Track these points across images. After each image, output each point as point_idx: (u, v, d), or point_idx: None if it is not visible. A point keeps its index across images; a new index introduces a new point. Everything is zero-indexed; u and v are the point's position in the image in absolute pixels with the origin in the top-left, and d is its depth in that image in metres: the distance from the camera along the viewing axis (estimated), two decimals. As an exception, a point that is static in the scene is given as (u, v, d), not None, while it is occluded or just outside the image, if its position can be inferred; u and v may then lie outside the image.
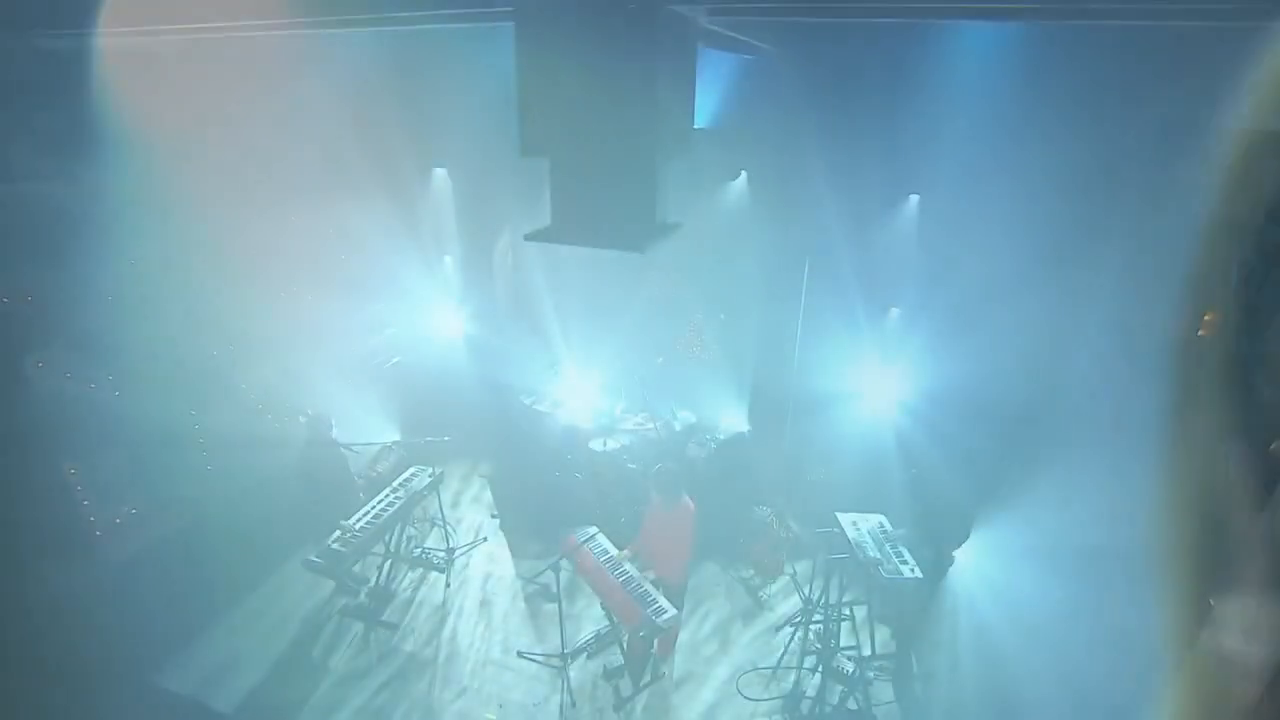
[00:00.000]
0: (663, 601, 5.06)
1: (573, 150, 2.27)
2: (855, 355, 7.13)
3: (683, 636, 5.98)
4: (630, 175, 2.29)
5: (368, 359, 7.89)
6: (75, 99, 4.92)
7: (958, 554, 5.65)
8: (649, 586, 5.19)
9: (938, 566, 5.60)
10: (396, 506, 6.15)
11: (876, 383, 7.14)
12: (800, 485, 6.35)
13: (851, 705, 5.47)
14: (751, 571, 6.76)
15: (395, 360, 8.24)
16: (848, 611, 6.09)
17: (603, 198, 2.29)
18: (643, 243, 2.37)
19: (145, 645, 5.57)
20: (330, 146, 6.81)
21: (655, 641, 5.59)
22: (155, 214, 5.49)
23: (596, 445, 7.27)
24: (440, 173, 7.77)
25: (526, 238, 2.63)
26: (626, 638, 5.53)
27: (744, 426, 7.55)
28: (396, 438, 6.94)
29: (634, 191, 2.32)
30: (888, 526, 5.87)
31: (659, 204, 2.34)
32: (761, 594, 6.54)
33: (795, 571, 6.78)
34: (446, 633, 6.08)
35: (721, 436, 7.47)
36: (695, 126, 6.83)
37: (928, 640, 5.78)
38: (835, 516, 5.88)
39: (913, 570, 5.42)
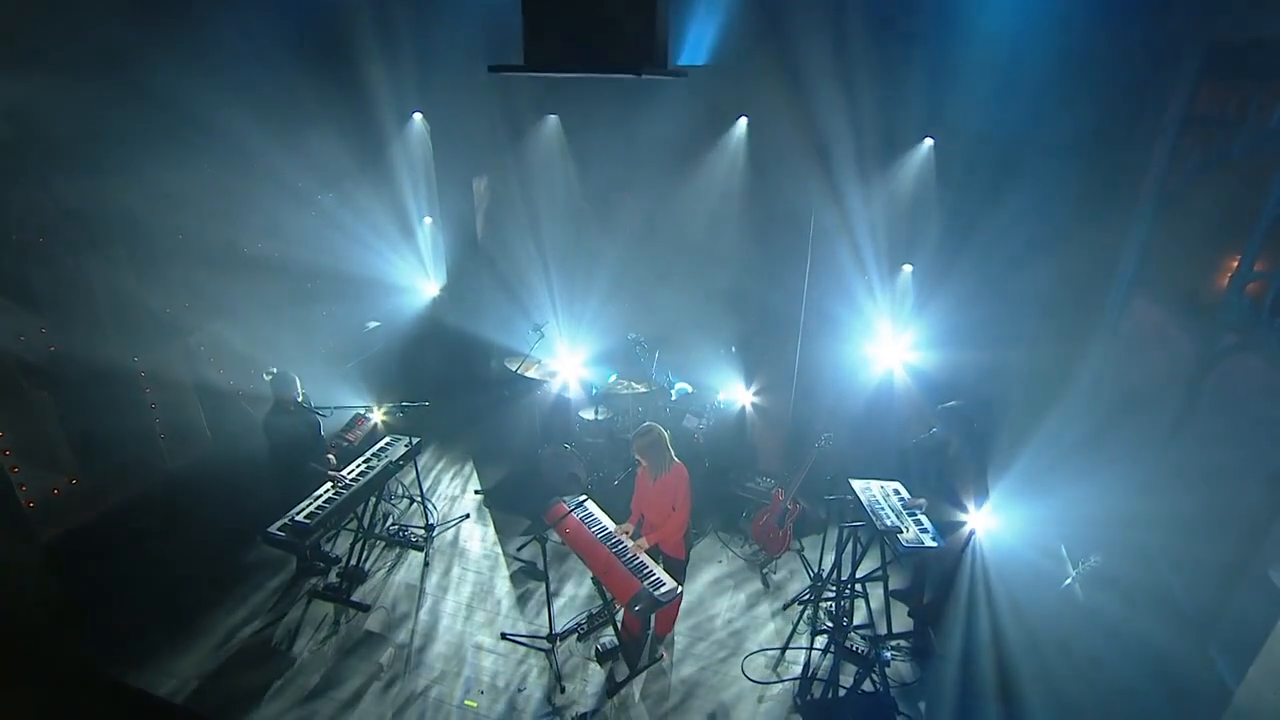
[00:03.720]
0: (661, 574, 4.56)
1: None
2: (864, 316, 6.65)
3: (683, 617, 5.48)
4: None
5: (342, 323, 7.33)
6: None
7: (978, 522, 5.19)
8: (645, 558, 4.69)
9: (957, 535, 5.13)
10: (369, 477, 5.62)
11: (887, 345, 6.68)
12: (807, 453, 5.85)
13: (867, 687, 5.00)
14: (756, 547, 6.27)
15: (374, 325, 7.70)
16: (860, 588, 5.65)
17: (590, 7, 1.75)
18: (639, 62, 1.85)
19: (85, 630, 5.04)
20: (304, 89, 6.25)
21: (653, 619, 5.10)
22: (96, 152, 4.94)
23: (588, 414, 6.76)
24: (418, 118, 7.22)
25: (491, 69, 2.10)
26: (621, 615, 5.03)
27: (745, 395, 7.06)
28: (371, 404, 6.39)
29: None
30: (904, 494, 5.40)
31: (659, 16, 1.83)
32: (767, 570, 6.05)
33: (803, 547, 6.29)
34: (424, 615, 5.57)
35: (721, 406, 6.98)
36: (692, 64, 6.43)
37: (948, 616, 5.32)
38: (848, 483, 5.40)
39: (934, 539, 4.95)
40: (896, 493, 5.41)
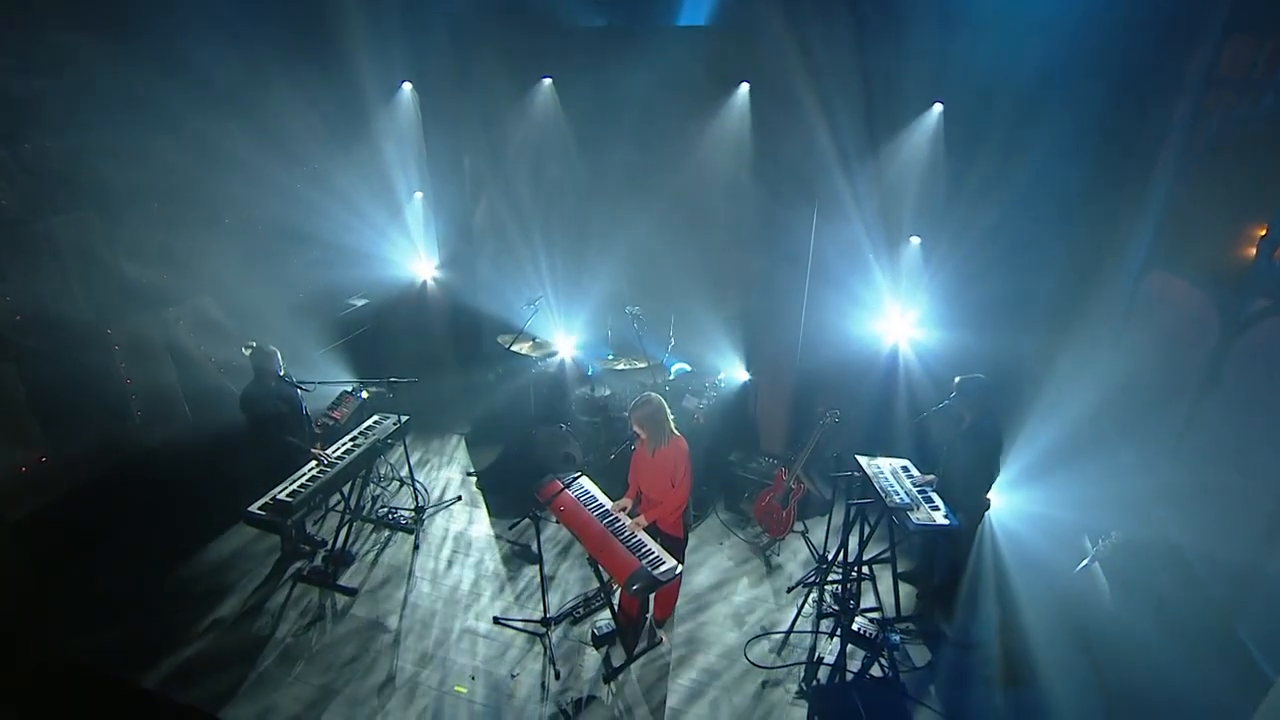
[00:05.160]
0: (660, 552, 4.33)
1: None
2: (871, 290, 6.41)
3: (682, 600, 5.27)
4: None
5: (329, 300, 7.08)
6: None
7: (990, 500, 4.98)
8: (643, 536, 4.46)
9: (970, 513, 4.91)
10: (355, 455, 5.39)
11: (894, 321, 6.44)
12: (811, 431, 5.61)
13: (876, 672, 4.79)
14: (758, 528, 6.05)
15: (362, 302, 7.43)
16: (867, 570, 5.44)
17: None
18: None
19: (56, 614, 4.81)
20: (290, 56, 5.98)
21: (651, 602, 4.89)
22: (63, 110, 4.67)
23: (583, 391, 6.53)
24: (407, 88, 6.94)
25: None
26: (618, 597, 4.82)
27: (746, 374, 6.83)
28: (357, 381, 6.14)
29: None
30: (914, 471, 5.19)
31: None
32: (769, 552, 5.84)
33: (806, 528, 6.08)
34: (413, 598, 5.34)
35: (722, 385, 6.75)
36: (692, 24, 6.18)
37: (959, 598, 5.11)
38: (855, 460, 5.19)
39: (946, 516, 4.73)
40: (905, 470, 5.21)
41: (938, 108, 5.88)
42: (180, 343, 5.57)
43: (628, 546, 4.36)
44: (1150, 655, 4.20)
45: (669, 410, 4.54)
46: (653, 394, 4.54)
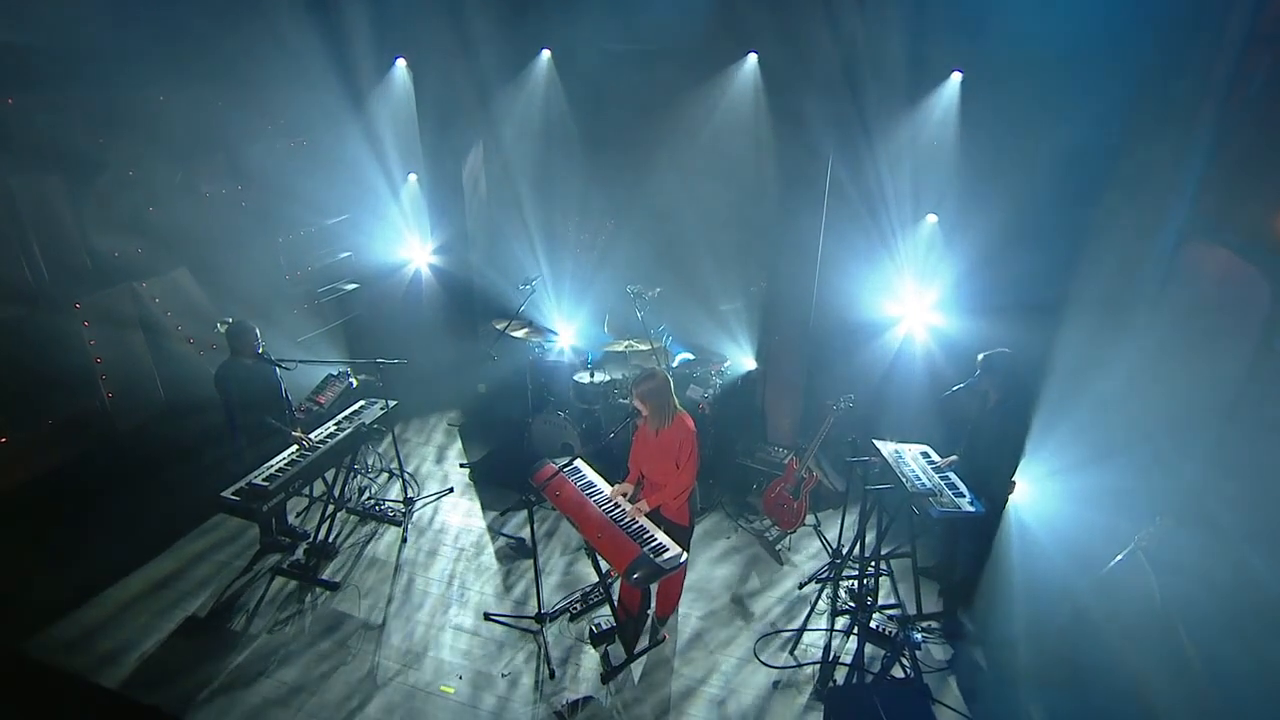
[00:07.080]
0: (663, 539, 3.99)
1: None
2: (885, 271, 6.08)
3: (687, 596, 4.91)
4: None
5: (316, 283, 6.77)
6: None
7: (1015, 486, 4.63)
8: (645, 522, 4.12)
9: (995, 496, 4.57)
10: (338, 439, 5.07)
11: (910, 303, 6.11)
12: (823, 416, 5.26)
13: (896, 672, 4.43)
14: (768, 521, 5.69)
15: (352, 287, 7.12)
16: (885, 564, 5.08)
17: None
18: None
19: (13, 610, 4.48)
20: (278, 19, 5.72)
21: (653, 599, 4.54)
22: (26, 64, 4.40)
23: (582, 378, 6.20)
24: (400, 64, 6.66)
25: None
26: (618, 590, 4.47)
27: (754, 361, 6.50)
28: (342, 364, 5.82)
29: None
30: (934, 456, 4.85)
31: None
32: (780, 546, 5.48)
33: (819, 522, 5.72)
34: (399, 593, 5.01)
35: (728, 373, 6.41)
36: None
37: (986, 592, 4.75)
38: (873, 444, 4.84)
39: (972, 503, 4.38)
40: (925, 455, 4.86)
41: (956, 77, 5.57)
42: (154, 319, 5.26)
43: (628, 533, 4.01)
44: (1199, 656, 3.84)
45: (669, 387, 4.19)
46: (657, 368, 4.20)
